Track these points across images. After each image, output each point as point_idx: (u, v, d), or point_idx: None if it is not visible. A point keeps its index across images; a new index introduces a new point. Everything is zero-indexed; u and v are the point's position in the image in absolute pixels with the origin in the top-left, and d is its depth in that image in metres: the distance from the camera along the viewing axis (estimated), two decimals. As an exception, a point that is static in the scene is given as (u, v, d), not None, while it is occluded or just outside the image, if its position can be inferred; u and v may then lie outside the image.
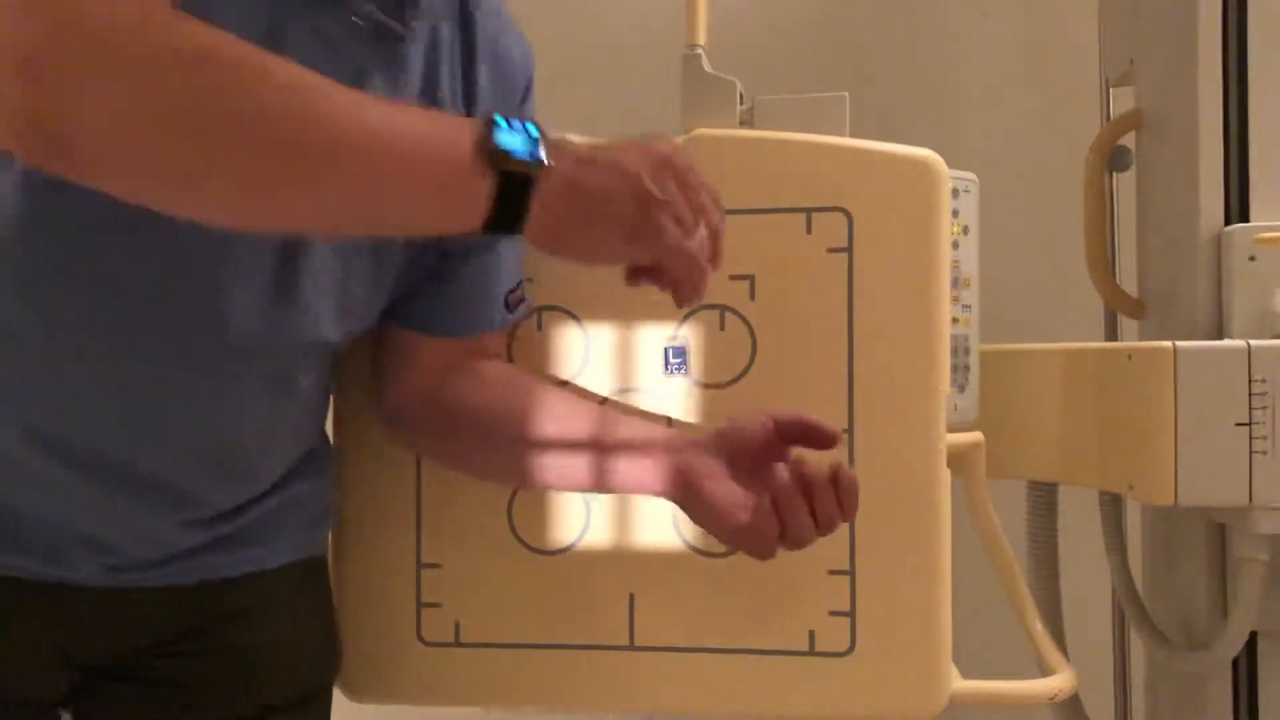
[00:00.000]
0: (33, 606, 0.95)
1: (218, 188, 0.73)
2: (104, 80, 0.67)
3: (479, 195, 0.76)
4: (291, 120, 0.72)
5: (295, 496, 1.07)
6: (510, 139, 0.77)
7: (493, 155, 0.76)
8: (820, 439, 0.98)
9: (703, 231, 0.85)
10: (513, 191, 0.77)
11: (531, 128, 0.78)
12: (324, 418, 1.12)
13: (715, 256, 0.88)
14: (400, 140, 0.75)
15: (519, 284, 1.11)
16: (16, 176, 0.85)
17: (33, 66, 0.66)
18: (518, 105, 1.06)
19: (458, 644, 1.17)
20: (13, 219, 0.86)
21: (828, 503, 0.95)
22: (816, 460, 0.97)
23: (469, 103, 1.02)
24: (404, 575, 1.18)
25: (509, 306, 1.10)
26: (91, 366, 0.88)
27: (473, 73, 1.01)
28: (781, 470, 0.98)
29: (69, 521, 0.94)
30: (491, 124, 0.77)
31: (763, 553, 0.97)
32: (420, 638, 1.18)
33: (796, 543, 0.97)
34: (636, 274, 0.87)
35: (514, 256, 1.10)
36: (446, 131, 0.77)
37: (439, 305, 1.08)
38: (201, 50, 0.70)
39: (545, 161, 0.78)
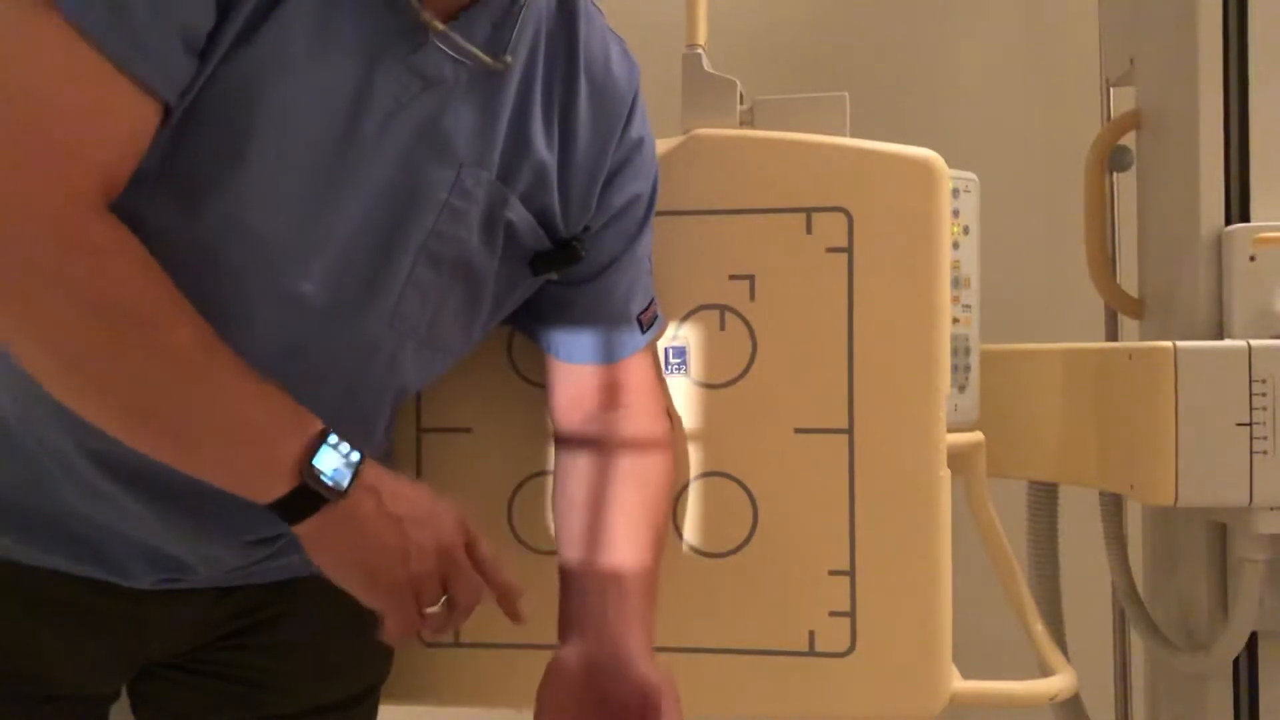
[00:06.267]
0: (88, 605, 0.96)
1: (66, 383, 0.82)
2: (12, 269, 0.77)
3: (275, 488, 0.84)
4: (139, 356, 0.80)
5: None
6: (327, 460, 0.84)
7: (306, 469, 0.84)
8: None
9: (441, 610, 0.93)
10: (304, 499, 0.84)
11: (355, 455, 0.85)
12: (391, 429, 1.10)
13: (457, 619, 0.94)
14: (234, 415, 0.83)
15: (648, 301, 1.10)
16: None
17: None
18: (618, 135, 1.04)
19: (458, 644, 1.17)
20: None
21: None
22: None
23: (565, 133, 1.00)
24: (404, 575, 1.17)
25: (641, 326, 1.09)
26: None
27: (573, 103, 1.00)
28: None
29: (129, 535, 0.95)
30: (320, 438, 0.84)
31: None
32: (420, 638, 1.17)
33: None
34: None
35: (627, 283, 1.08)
36: (278, 429, 0.84)
37: (564, 330, 1.08)
38: (90, 248, 0.78)
39: (345, 491, 0.85)
